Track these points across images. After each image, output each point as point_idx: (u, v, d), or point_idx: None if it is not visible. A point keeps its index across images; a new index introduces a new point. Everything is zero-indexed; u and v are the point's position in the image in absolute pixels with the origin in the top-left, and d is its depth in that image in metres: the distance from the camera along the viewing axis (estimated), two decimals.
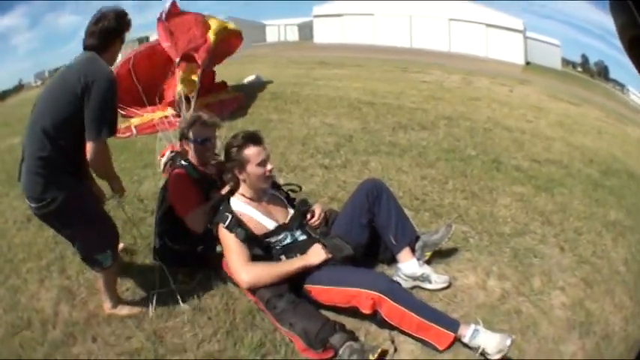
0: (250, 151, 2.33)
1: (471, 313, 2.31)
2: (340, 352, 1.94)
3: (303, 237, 2.46)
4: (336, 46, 11.72)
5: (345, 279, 2.18)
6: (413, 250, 2.54)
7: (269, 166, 2.37)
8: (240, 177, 2.39)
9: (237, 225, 2.29)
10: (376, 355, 1.90)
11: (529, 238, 3.09)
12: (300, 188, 2.84)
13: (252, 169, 2.34)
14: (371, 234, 2.57)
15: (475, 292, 2.49)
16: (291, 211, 2.55)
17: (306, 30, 13.23)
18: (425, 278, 2.45)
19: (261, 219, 2.39)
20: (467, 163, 4.39)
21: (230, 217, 2.31)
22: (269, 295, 2.16)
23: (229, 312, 2.35)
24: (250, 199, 2.42)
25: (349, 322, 2.15)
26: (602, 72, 8.38)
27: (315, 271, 2.25)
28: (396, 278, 2.41)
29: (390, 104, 6.57)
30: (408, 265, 2.47)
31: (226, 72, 8.63)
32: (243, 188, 2.43)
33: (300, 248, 2.37)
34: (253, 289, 2.21)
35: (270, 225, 2.40)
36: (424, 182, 3.95)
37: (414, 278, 2.45)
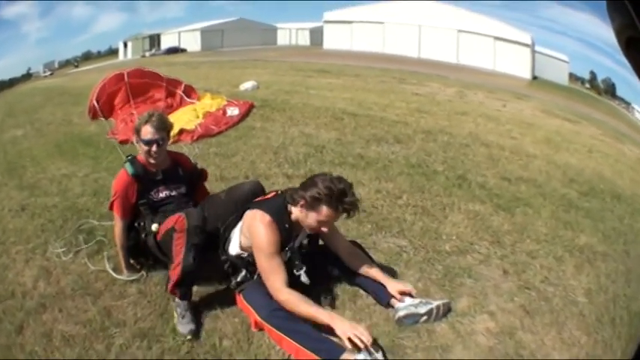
0: (324, 211, 2.32)
1: (379, 324, 2.36)
2: None
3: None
4: (343, 53, 11.72)
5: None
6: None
7: (324, 229, 2.40)
8: (303, 212, 2.39)
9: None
10: None
11: (470, 258, 2.99)
12: None
13: (312, 220, 2.36)
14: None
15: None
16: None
17: (317, 35, 13.26)
18: (424, 302, 2.37)
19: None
20: (429, 179, 4.36)
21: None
22: None
23: (165, 298, 2.64)
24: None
25: None
26: (610, 89, 8.10)
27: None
28: (397, 315, 2.36)
29: (373, 116, 6.55)
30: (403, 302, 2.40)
31: (226, 76, 8.72)
32: (295, 211, 2.43)
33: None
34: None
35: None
36: (377, 195, 3.95)
37: (415, 305, 2.36)
